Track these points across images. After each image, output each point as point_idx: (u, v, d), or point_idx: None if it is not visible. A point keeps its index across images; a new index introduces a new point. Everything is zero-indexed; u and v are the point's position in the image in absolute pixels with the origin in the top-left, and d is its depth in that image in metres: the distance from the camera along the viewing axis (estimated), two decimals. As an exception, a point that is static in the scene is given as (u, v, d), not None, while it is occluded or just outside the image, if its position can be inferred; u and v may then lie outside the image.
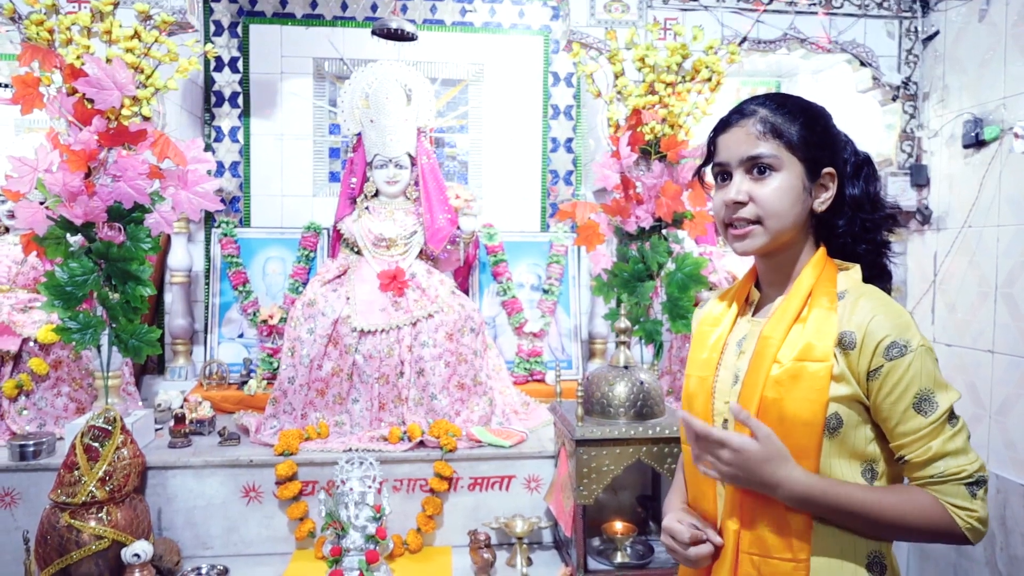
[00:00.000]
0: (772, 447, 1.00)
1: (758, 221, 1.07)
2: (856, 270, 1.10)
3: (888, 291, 1.10)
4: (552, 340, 3.49)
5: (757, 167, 1.07)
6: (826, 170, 1.09)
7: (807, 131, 1.07)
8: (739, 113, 1.11)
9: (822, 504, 1.00)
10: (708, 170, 1.20)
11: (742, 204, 1.08)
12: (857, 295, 1.04)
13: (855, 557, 1.04)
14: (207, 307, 3.37)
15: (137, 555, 2.19)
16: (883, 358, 0.99)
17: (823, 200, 1.10)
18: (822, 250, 1.12)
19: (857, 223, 1.11)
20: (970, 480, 0.98)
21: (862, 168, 1.13)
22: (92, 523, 2.21)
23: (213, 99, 3.46)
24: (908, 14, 2.92)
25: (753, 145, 1.07)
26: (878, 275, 1.12)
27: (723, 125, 1.13)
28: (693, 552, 1.09)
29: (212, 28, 3.43)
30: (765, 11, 2.86)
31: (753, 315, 1.18)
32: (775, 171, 1.06)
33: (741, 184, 1.08)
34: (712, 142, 1.15)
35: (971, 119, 2.64)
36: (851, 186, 1.12)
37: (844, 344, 1.02)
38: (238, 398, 3.08)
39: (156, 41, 2.45)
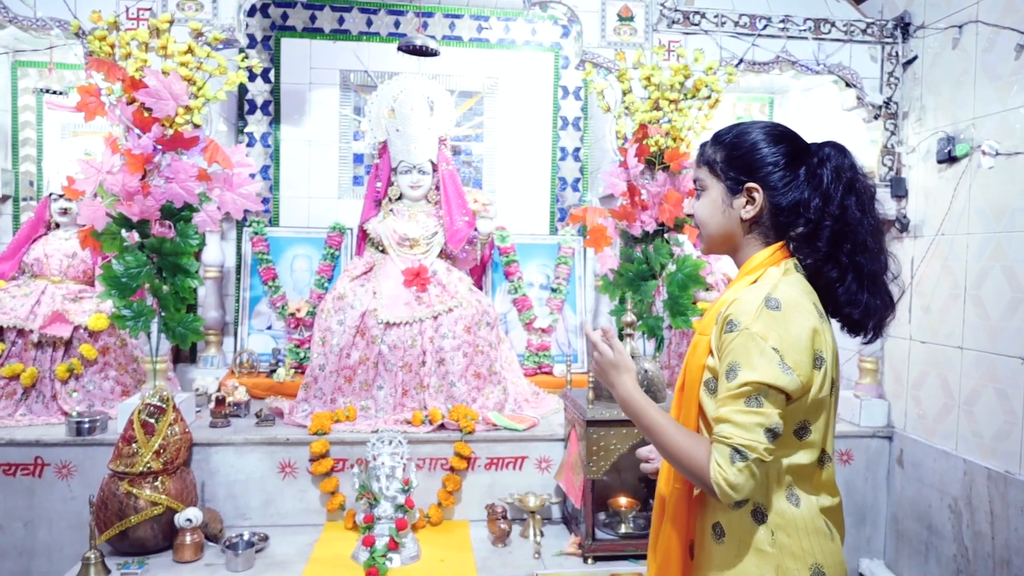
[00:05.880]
0: (621, 359, 1.33)
1: (699, 228, 1.38)
2: (780, 266, 1.26)
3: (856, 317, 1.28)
4: (559, 336, 3.73)
5: (697, 189, 1.37)
6: (747, 185, 1.27)
7: (727, 157, 1.30)
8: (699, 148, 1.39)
9: (635, 411, 1.28)
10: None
11: (692, 216, 1.40)
12: (753, 286, 1.24)
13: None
14: (238, 300, 3.60)
15: (189, 519, 2.42)
16: (722, 331, 1.21)
17: (748, 210, 1.27)
18: (766, 250, 1.27)
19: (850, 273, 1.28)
20: (732, 447, 1.13)
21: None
22: (148, 491, 2.44)
23: (246, 107, 3.70)
24: (890, 40, 3.19)
25: (695, 172, 1.38)
26: (846, 304, 1.26)
27: None
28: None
29: (246, 41, 3.65)
30: (760, 36, 3.12)
31: None
32: (704, 191, 1.34)
33: (691, 201, 1.40)
34: None
35: (944, 137, 2.90)
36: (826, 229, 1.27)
37: (717, 321, 1.25)
38: (268, 385, 3.29)
39: (208, 56, 2.70)
